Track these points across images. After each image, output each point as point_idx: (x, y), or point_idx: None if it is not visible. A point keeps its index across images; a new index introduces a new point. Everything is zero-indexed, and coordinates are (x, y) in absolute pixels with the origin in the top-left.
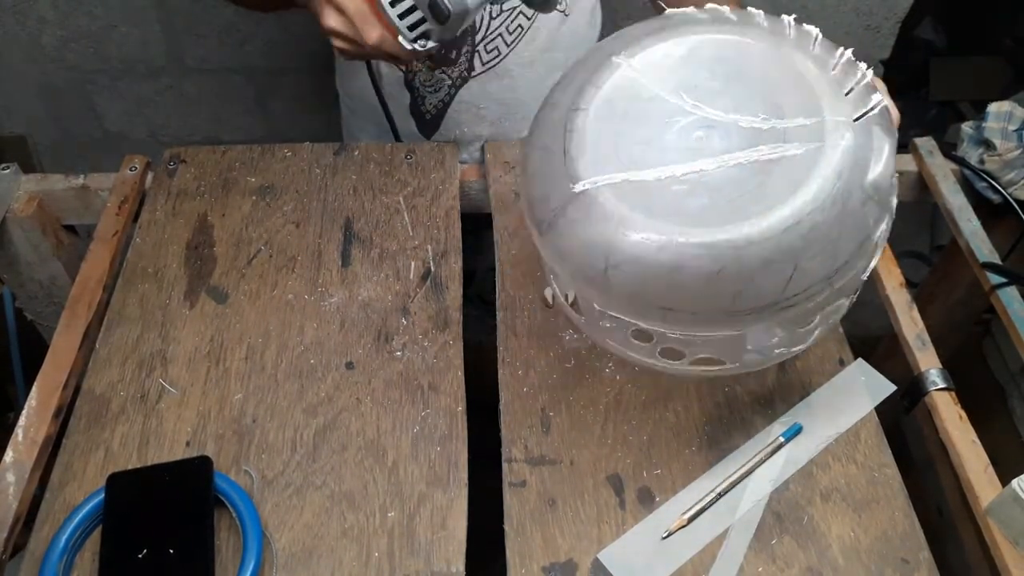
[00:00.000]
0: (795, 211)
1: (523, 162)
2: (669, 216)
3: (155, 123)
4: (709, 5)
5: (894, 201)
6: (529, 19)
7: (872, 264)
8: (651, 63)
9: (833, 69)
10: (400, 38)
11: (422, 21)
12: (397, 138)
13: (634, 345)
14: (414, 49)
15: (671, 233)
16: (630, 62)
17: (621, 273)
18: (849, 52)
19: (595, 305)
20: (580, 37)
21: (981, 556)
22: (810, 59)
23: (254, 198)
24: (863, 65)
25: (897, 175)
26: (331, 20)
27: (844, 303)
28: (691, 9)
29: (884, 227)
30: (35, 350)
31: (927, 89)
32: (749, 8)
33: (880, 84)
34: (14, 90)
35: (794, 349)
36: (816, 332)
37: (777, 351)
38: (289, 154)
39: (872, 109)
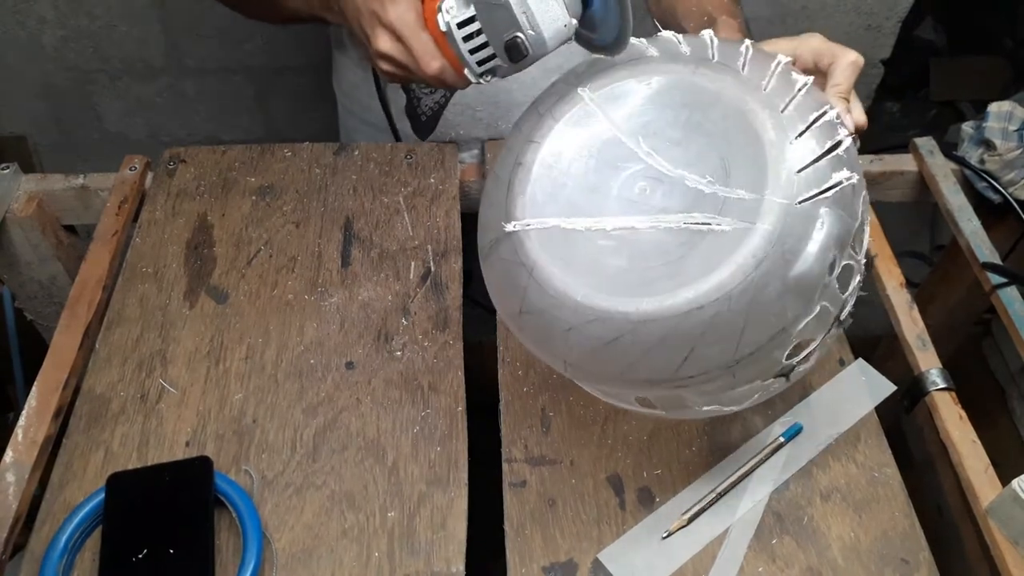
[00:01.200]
0: (700, 295)
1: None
2: (584, 274)
3: (155, 123)
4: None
5: (832, 289)
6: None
7: (806, 353)
8: (616, 100)
9: (785, 107)
10: (467, 71)
11: (492, 57)
12: (397, 138)
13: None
14: (478, 82)
15: (577, 293)
16: (594, 96)
17: (530, 320)
18: (808, 83)
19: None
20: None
21: (981, 556)
22: (771, 117)
23: (254, 198)
24: (829, 101)
25: (845, 261)
26: (384, 44)
27: (777, 383)
28: (673, 36)
29: (809, 320)
30: (35, 350)
31: (927, 89)
32: (741, 40)
33: (851, 110)
34: (14, 90)
35: (726, 409)
36: (754, 398)
37: (705, 409)
38: (289, 154)
39: (825, 191)
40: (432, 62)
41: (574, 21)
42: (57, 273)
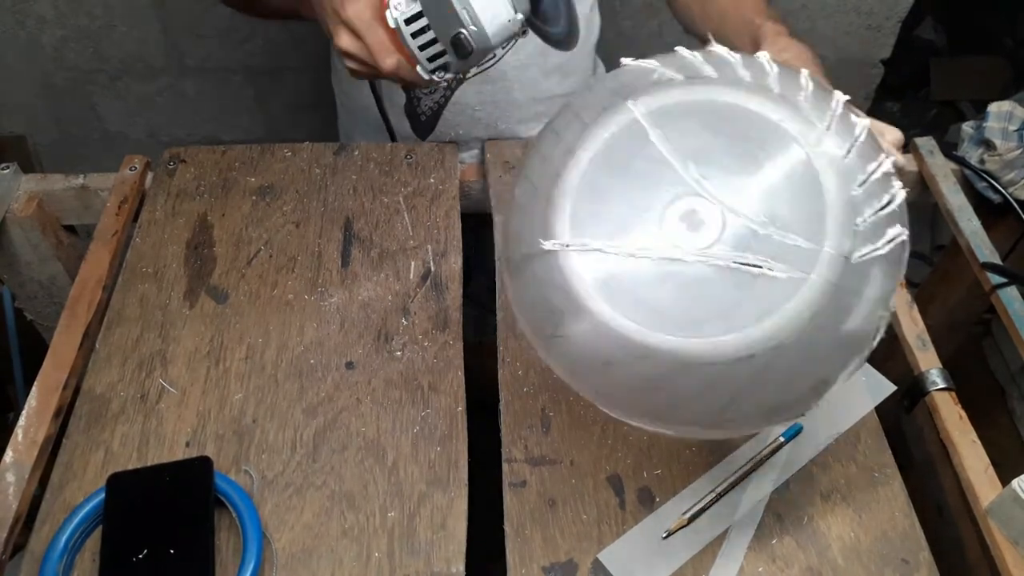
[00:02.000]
0: (752, 343)
1: (517, 178)
2: (628, 305)
3: (155, 123)
4: (766, 35)
5: (875, 340)
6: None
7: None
8: (668, 118)
9: (847, 153)
10: (418, 68)
11: (443, 53)
12: (393, 139)
13: None
14: (431, 79)
15: (619, 325)
16: (644, 112)
17: (563, 346)
18: (867, 126)
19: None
20: (584, 42)
21: (981, 556)
22: (832, 163)
23: (254, 198)
24: (886, 150)
25: (887, 314)
26: (344, 42)
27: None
28: (728, 55)
29: (851, 368)
30: (35, 350)
31: (927, 89)
32: (801, 70)
33: (897, 159)
34: (14, 90)
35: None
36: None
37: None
38: (289, 154)
39: (879, 248)
40: (387, 58)
41: (519, 16)
42: (57, 273)
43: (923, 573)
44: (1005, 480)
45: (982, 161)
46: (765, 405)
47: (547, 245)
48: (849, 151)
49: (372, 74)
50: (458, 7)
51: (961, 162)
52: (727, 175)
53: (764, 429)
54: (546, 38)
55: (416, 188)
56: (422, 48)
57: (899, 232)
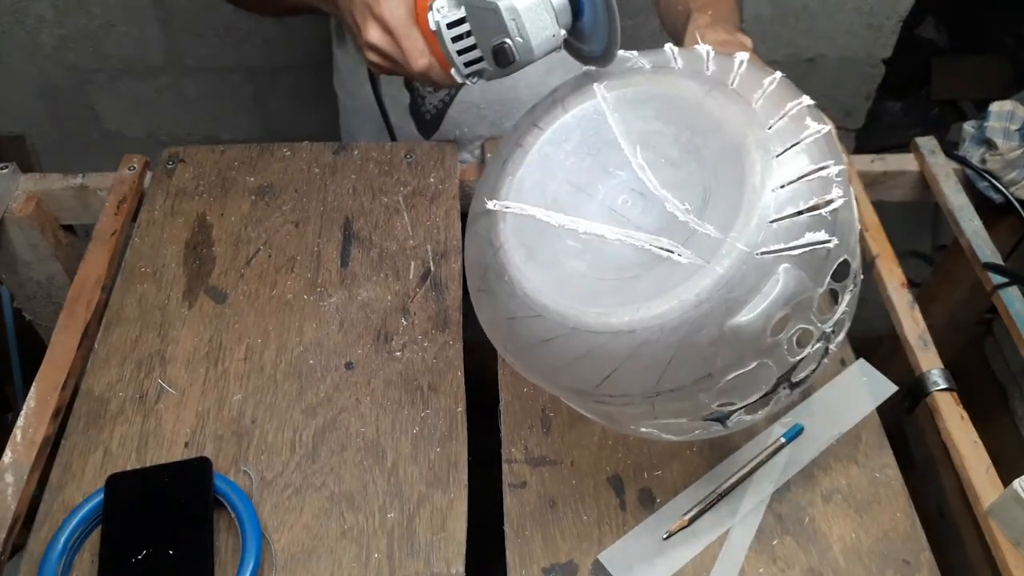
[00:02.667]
0: (635, 320)
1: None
2: (541, 269)
3: (154, 122)
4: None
5: (778, 350)
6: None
7: (744, 404)
8: (629, 105)
9: (781, 153)
10: (453, 71)
11: (480, 60)
12: (393, 138)
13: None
14: (464, 83)
15: (527, 286)
16: (608, 96)
17: (484, 300)
18: (821, 132)
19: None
20: None
21: (982, 557)
22: (763, 160)
23: (253, 198)
24: (836, 157)
25: (801, 324)
26: (374, 36)
27: (715, 426)
28: (705, 52)
29: (742, 373)
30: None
31: (929, 88)
32: (772, 73)
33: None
34: (13, 90)
35: (665, 436)
36: (695, 434)
37: (642, 430)
38: (288, 154)
39: (790, 248)
40: (420, 59)
41: (563, 32)
42: (56, 273)
43: (924, 574)
44: (1006, 480)
45: (983, 161)
46: (645, 385)
47: (489, 204)
48: (784, 152)
49: (397, 72)
50: (507, 17)
51: (962, 162)
52: (667, 164)
53: (763, 427)
54: (578, 55)
55: (416, 188)
56: (460, 53)
57: (824, 239)
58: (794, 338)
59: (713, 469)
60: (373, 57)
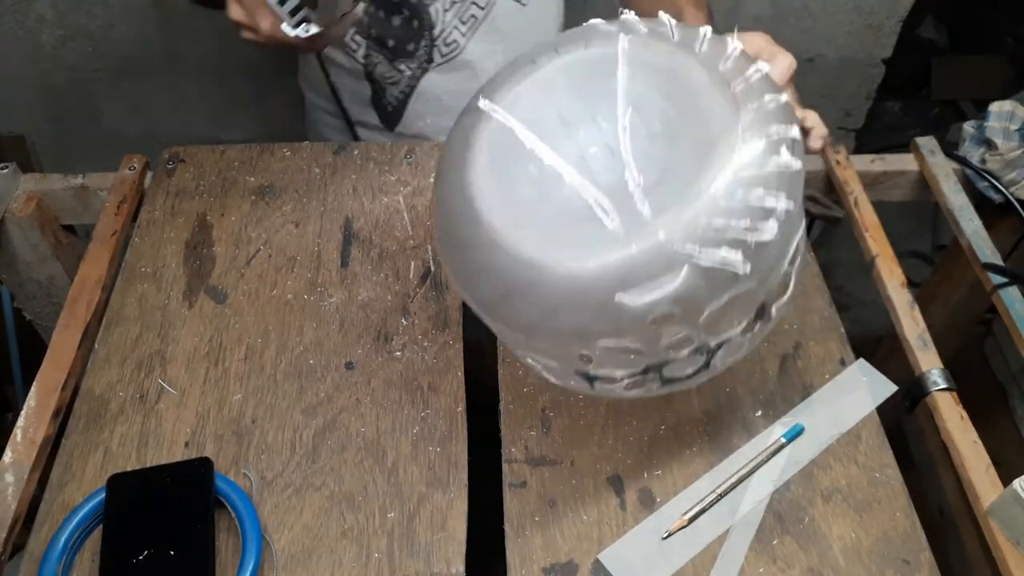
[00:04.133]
0: (540, 258)
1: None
2: (493, 176)
3: (154, 123)
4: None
5: (647, 336)
6: (482, 8)
7: (603, 373)
8: (642, 65)
9: (744, 167)
10: (283, 25)
11: (300, 7)
12: (354, 135)
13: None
14: (297, 35)
15: (482, 194)
16: (628, 48)
17: (442, 178)
18: (800, 167)
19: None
20: (541, 27)
21: (982, 557)
22: (721, 171)
23: (253, 198)
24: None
25: (682, 329)
26: (234, 11)
27: (586, 386)
28: (730, 41)
29: (610, 344)
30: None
31: (929, 88)
32: (757, 64)
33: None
34: (13, 90)
35: (544, 374)
36: (570, 384)
37: (528, 361)
38: (288, 154)
39: (696, 254)
40: (263, 20)
41: None
42: (56, 273)
43: (924, 574)
44: (1006, 480)
45: (983, 161)
46: (528, 318)
47: (482, 103)
48: (743, 171)
49: (261, 41)
50: None
51: (962, 162)
52: (648, 133)
53: (763, 427)
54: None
55: (416, 188)
56: (281, 3)
57: (735, 261)
58: (673, 337)
59: (713, 469)
60: (244, 33)
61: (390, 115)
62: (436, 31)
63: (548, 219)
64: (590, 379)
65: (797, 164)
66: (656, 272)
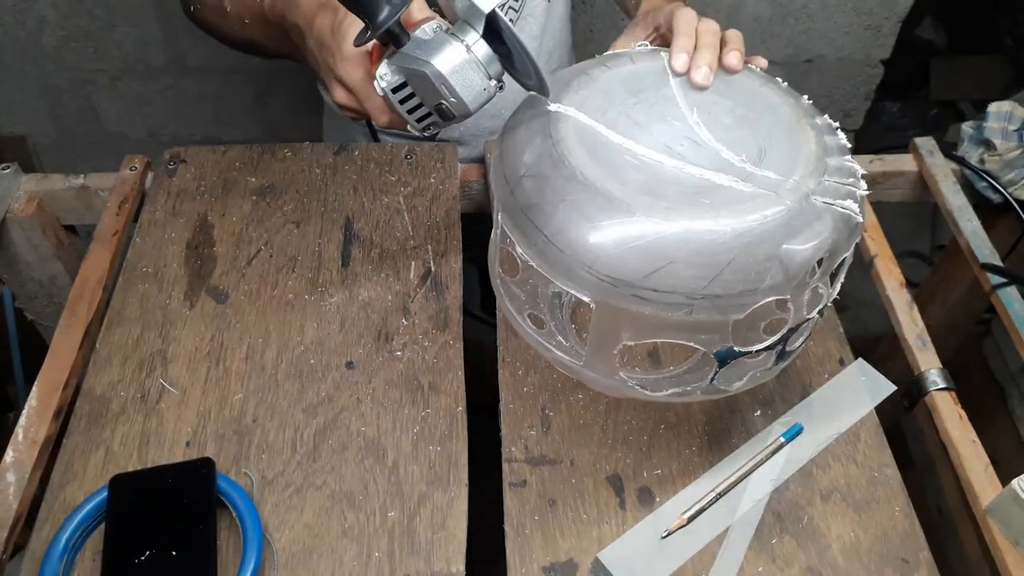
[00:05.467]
0: (702, 221)
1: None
2: (601, 166)
3: (155, 123)
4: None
5: (801, 283)
6: (516, 11)
7: (742, 351)
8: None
9: (825, 135)
10: (409, 127)
11: (429, 115)
12: (375, 138)
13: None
14: (423, 135)
15: (591, 175)
16: (662, 60)
17: (530, 183)
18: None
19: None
20: (563, 22)
21: (981, 556)
22: (817, 137)
23: (254, 198)
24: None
25: (817, 280)
26: (340, 96)
27: (706, 382)
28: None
29: (770, 300)
30: (35, 350)
31: (927, 89)
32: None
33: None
34: (14, 90)
35: (649, 394)
36: (686, 388)
37: (636, 385)
38: (289, 154)
39: (836, 205)
40: (382, 116)
41: (494, 83)
42: (57, 273)
43: (923, 573)
44: (1005, 480)
45: (982, 161)
46: (695, 284)
47: (552, 106)
48: (831, 136)
49: (362, 119)
50: (436, 83)
51: (961, 162)
52: (721, 126)
53: (762, 426)
54: (527, 87)
55: (416, 188)
56: (410, 112)
57: (854, 208)
58: (815, 289)
59: (712, 468)
60: (346, 112)
61: None
62: None
63: (678, 195)
64: (724, 358)
65: (848, 143)
66: (809, 221)
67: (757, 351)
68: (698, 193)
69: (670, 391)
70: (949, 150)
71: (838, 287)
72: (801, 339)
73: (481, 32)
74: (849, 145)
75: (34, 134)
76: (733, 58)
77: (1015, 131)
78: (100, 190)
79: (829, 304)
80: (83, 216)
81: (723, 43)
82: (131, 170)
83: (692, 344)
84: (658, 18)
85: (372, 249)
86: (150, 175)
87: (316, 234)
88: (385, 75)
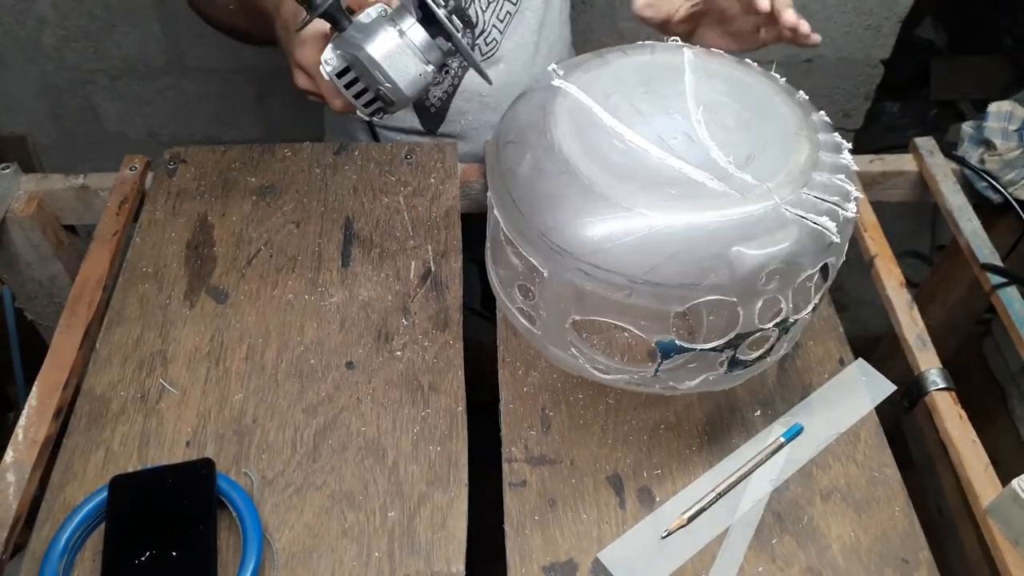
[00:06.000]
0: (658, 207)
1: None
2: (583, 143)
3: (155, 123)
4: None
5: (749, 289)
6: (515, 4)
7: (687, 347)
8: (706, 72)
9: (824, 153)
10: (357, 111)
11: (375, 100)
12: (375, 138)
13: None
14: (372, 120)
15: (567, 150)
16: (692, 57)
17: (513, 149)
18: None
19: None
20: (562, 16)
21: (981, 556)
22: (812, 150)
23: (254, 198)
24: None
25: (783, 295)
26: (300, 81)
27: (649, 371)
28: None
29: (713, 299)
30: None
31: (927, 89)
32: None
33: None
34: (14, 90)
35: (603, 366)
36: (625, 374)
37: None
38: (289, 154)
39: (807, 219)
40: (335, 100)
41: (431, 68)
42: (57, 273)
43: (923, 573)
44: (1005, 480)
45: (982, 161)
46: (638, 267)
47: (556, 81)
48: (826, 152)
49: (321, 101)
50: (368, 67)
51: (961, 162)
52: (722, 126)
53: (762, 426)
54: (480, 72)
55: (416, 188)
56: (356, 96)
57: (829, 226)
58: (767, 302)
59: (712, 468)
60: (310, 97)
61: (433, 116)
62: (477, 30)
63: (647, 182)
64: (668, 352)
65: (854, 165)
66: (772, 229)
67: (701, 350)
68: (668, 184)
69: (620, 376)
70: (949, 150)
71: (810, 309)
72: (758, 351)
73: (417, 17)
74: (854, 168)
75: (34, 134)
76: (791, 15)
77: (1015, 131)
78: (100, 190)
79: (791, 320)
80: (83, 216)
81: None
82: (131, 170)
83: (632, 329)
84: None
85: (372, 249)
86: (150, 175)
87: (316, 234)
88: (330, 60)
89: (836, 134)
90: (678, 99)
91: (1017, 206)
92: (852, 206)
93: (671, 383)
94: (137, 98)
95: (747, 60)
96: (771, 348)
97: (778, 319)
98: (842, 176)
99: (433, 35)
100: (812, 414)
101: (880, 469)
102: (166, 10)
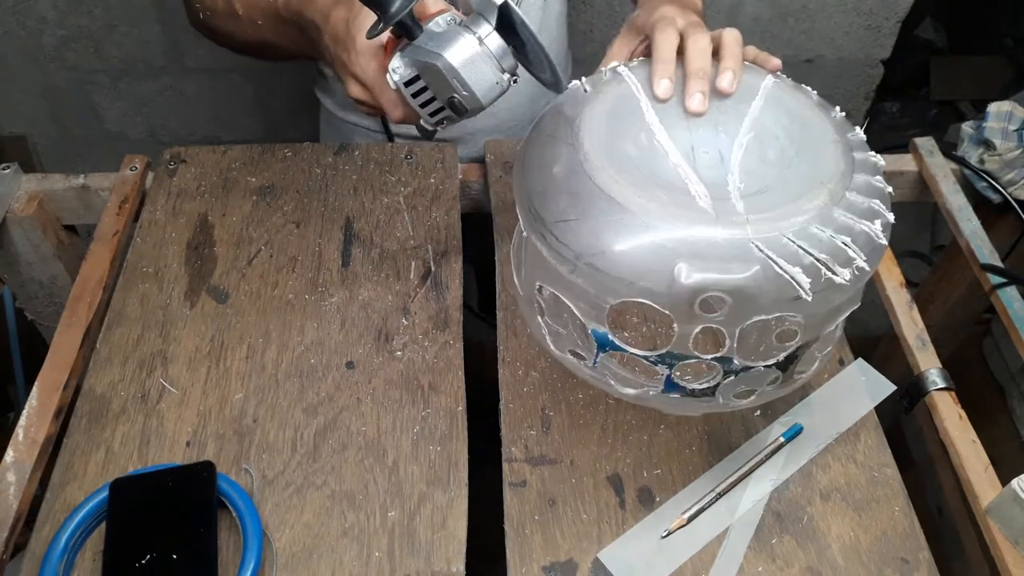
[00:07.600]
0: (625, 202)
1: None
2: (609, 122)
3: (155, 123)
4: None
5: (683, 311)
6: (516, 5)
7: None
8: (776, 101)
9: (848, 199)
10: (421, 120)
11: (442, 110)
12: (390, 138)
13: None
14: (436, 129)
15: (579, 125)
16: (770, 86)
17: (548, 118)
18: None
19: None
20: (560, 20)
21: (981, 556)
22: (833, 194)
23: (254, 198)
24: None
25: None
26: (355, 91)
27: (587, 363)
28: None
29: (643, 302)
30: (35, 350)
31: (927, 89)
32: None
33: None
34: (14, 90)
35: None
36: (569, 358)
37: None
38: (289, 154)
39: (775, 263)
40: (395, 110)
41: (507, 76)
42: (58, 273)
43: (923, 572)
44: (1005, 480)
45: (982, 161)
46: (587, 247)
47: (621, 69)
48: (840, 214)
49: (384, 117)
50: (447, 76)
51: (961, 162)
52: (760, 157)
53: (762, 426)
54: (542, 82)
55: (416, 188)
56: (423, 106)
57: (802, 281)
58: (704, 333)
59: (712, 468)
60: (361, 108)
61: (429, 132)
62: None
63: (644, 179)
64: (602, 345)
65: (883, 241)
66: (729, 258)
67: (632, 353)
68: (663, 187)
69: (576, 359)
70: (949, 150)
71: (770, 362)
72: (698, 383)
73: (494, 25)
74: (880, 241)
75: (34, 134)
76: (726, 80)
77: (1015, 131)
78: (100, 190)
79: (735, 362)
80: (83, 216)
81: (718, 50)
82: (131, 170)
83: (574, 309)
84: (644, 24)
85: (372, 249)
86: (150, 175)
87: (316, 234)
88: (398, 68)
89: (877, 202)
90: (735, 119)
91: (1017, 206)
92: (846, 272)
93: (611, 381)
94: (137, 98)
95: (833, 108)
96: (715, 386)
97: (718, 354)
98: (846, 240)
99: (509, 43)
100: (812, 414)
101: (880, 469)
102: (166, 10)
